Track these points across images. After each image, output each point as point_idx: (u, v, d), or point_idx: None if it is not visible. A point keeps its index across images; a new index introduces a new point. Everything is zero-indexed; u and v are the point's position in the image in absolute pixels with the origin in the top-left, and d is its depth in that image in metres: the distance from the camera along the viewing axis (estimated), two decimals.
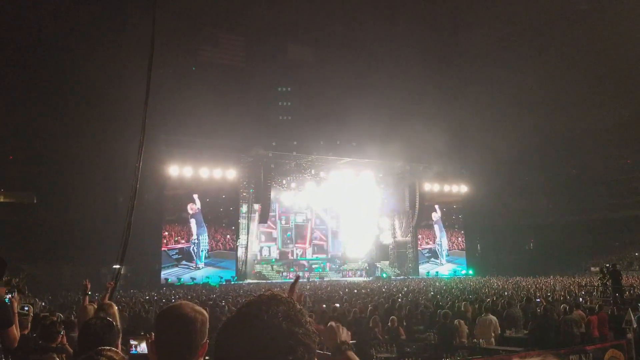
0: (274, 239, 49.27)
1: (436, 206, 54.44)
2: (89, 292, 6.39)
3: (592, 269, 41.82)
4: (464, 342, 11.29)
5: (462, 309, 13.85)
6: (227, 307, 15.16)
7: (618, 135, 55.18)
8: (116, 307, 4.37)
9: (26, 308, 7.72)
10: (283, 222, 50.11)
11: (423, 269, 51.57)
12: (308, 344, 1.22)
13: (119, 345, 2.87)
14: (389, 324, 12.09)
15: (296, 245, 50.20)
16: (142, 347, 3.52)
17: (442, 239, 54.44)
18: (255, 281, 41.72)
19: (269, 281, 41.96)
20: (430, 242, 53.82)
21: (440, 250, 54.04)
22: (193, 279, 39.93)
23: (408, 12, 63.39)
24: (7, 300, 4.85)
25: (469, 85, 58.13)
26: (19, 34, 44.28)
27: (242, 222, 45.00)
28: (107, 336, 2.88)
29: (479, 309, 13.65)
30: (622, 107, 54.04)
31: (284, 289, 2.19)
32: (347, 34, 62.22)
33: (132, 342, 3.63)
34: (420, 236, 52.86)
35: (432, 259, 53.22)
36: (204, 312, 2.12)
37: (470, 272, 51.47)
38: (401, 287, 27.78)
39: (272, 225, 48.83)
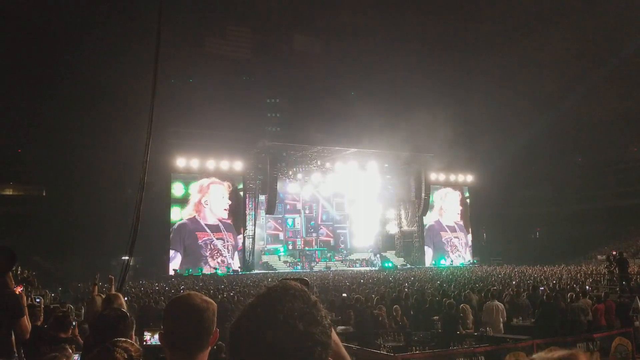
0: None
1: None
2: (99, 283, 6.48)
3: (599, 257, 41.71)
4: (469, 328, 11.34)
5: (468, 297, 13.90)
6: (235, 298, 15.30)
7: (625, 123, 54.80)
8: (123, 298, 4.42)
9: (38, 300, 7.84)
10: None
11: (430, 258, 51.44)
12: (325, 342, 1.19)
13: (133, 336, 2.92)
14: (394, 313, 12.18)
15: (304, 229, 50.87)
16: (156, 339, 3.57)
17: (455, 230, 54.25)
18: (263, 271, 41.89)
19: (276, 271, 42.13)
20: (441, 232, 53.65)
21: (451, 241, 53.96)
22: (200, 269, 40.12)
23: (415, 1, 62.92)
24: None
25: (476, 75, 57.78)
26: (26, 28, 44.34)
27: (249, 213, 45.13)
28: (122, 327, 2.93)
29: (485, 297, 13.69)
30: (630, 95, 53.62)
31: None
32: (353, 23, 61.87)
33: (146, 333, 3.68)
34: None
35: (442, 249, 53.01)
36: (213, 301, 2.17)
37: (475, 261, 51.39)
38: (408, 277, 27.85)
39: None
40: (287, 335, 1.13)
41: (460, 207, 53.16)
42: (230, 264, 38.89)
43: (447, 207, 51.46)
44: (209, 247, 36.81)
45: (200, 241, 36.90)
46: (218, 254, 37.42)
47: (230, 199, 40.13)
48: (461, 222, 52.45)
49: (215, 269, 40.33)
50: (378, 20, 60.28)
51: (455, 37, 62.96)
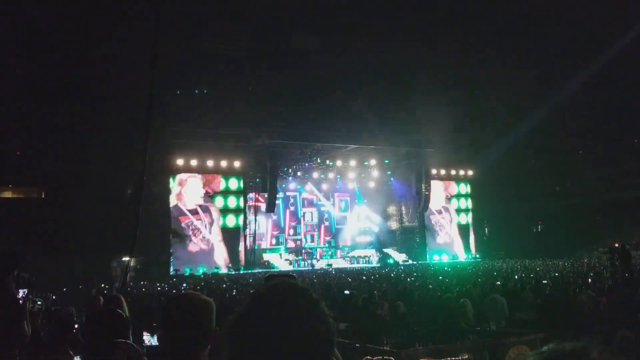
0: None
1: (448, 191, 54.88)
2: (102, 286, 6.45)
3: (601, 249, 41.72)
4: (471, 323, 11.33)
5: (470, 292, 13.90)
6: (237, 297, 15.29)
7: (625, 115, 54.70)
8: (124, 300, 4.39)
9: (39, 302, 7.82)
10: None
11: (433, 254, 51.62)
12: (330, 339, 1.17)
13: (130, 337, 2.89)
14: (396, 309, 12.17)
15: (304, 227, 51.88)
16: (155, 339, 3.53)
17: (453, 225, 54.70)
18: (264, 270, 42.02)
19: (278, 269, 42.23)
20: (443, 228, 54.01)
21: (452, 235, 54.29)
22: (201, 267, 40.41)
23: None
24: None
25: (476, 69, 57.54)
26: (22, 29, 44.21)
27: (249, 211, 45.38)
28: (117, 327, 2.90)
29: (486, 292, 13.70)
30: (630, 86, 53.42)
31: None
32: (351, 19, 61.54)
33: (145, 334, 3.64)
34: (433, 222, 53.05)
35: (444, 245, 53.24)
36: (211, 300, 2.15)
37: (477, 256, 51.52)
38: (410, 273, 27.87)
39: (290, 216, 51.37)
40: (292, 335, 1.11)
41: (445, 194, 55.52)
42: (208, 240, 43.26)
43: (434, 195, 53.39)
44: (191, 227, 42.78)
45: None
46: (198, 232, 42.98)
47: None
48: (447, 205, 55.39)
49: (217, 268, 40.65)
50: (376, 15, 59.97)
51: (454, 31, 62.62)
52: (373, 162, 48.01)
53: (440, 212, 54.51)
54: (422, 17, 59.63)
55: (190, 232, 42.60)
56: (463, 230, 55.15)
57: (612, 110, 54.96)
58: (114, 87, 43.31)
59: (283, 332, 1.12)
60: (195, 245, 42.77)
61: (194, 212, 43.29)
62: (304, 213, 51.74)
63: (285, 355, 1.10)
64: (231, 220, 44.36)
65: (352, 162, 47.32)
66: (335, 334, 1.21)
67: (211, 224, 43.69)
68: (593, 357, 1.16)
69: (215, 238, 43.56)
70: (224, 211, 44.53)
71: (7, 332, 4.57)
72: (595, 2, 52.08)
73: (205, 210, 43.79)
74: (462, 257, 52.03)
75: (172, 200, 42.92)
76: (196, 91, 49.17)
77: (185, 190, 43.50)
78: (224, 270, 40.63)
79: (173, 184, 43.24)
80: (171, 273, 38.90)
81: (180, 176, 43.41)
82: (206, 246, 42.95)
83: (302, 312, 1.16)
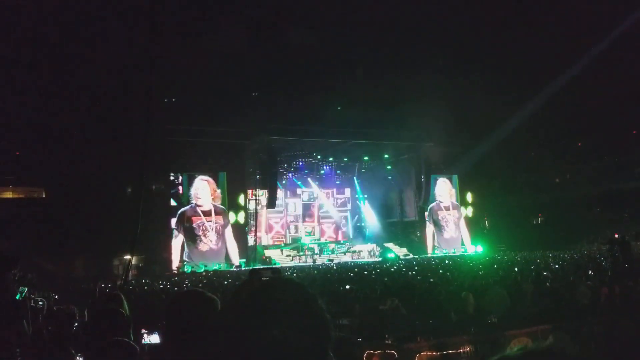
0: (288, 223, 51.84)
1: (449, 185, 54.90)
2: (103, 285, 6.47)
3: (601, 240, 41.75)
4: (473, 316, 11.35)
5: (471, 285, 13.92)
6: None
7: (624, 106, 54.55)
8: (124, 298, 4.40)
9: (41, 302, 7.83)
10: (291, 205, 51.56)
11: (433, 247, 51.65)
12: (327, 335, 1.19)
13: (130, 335, 2.90)
14: (398, 303, 12.16)
15: (305, 223, 51.99)
16: (153, 337, 3.54)
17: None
18: (266, 267, 42.04)
19: (279, 266, 42.31)
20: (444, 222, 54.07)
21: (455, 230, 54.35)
22: (205, 265, 40.46)
23: None
24: (18, 296, 4.91)
25: (474, 61, 57.41)
26: (22, 28, 44.08)
27: (250, 208, 45.46)
28: (117, 326, 2.91)
29: (487, 284, 13.71)
30: (628, 76, 53.23)
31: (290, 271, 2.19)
32: (349, 13, 61.25)
33: (144, 331, 3.66)
34: (439, 217, 53.12)
35: (448, 240, 53.30)
36: (215, 297, 2.16)
37: (480, 248, 51.55)
38: (411, 267, 27.91)
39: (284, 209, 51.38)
40: (290, 331, 1.12)
41: (453, 190, 55.34)
42: (215, 241, 43.73)
43: (442, 193, 54.09)
44: (201, 228, 43.62)
45: (194, 224, 43.44)
46: (207, 233, 43.60)
47: (218, 190, 45.50)
48: (456, 202, 55.19)
49: (219, 264, 40.74)
50: (374, 8, 59.66)
51: (453, 29, 62.36)
52: (373, 156, 47.98)
53: (448, 209, 54.37)
54: (421, 15, 59.29)
55: (200, 233, 43.40)
56: (464, 223, 55.10)
57: (612, 100, 54.78)
58: (114, 86, 43.25)
59: (281, 329, 1.11)
60: (204, 245, 43.39)
61: (207, 214, 44.09)
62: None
63: (283, 351, 1.10)
64: (232, 218, 44.36)
65: (352, 157, 47.27)
66: (333, 330, 1.21)
67: (223, 226, 44.25)
68: (570, 353, 1.16)
69: (223, 237, 43.95)
70: (224, 210, 44.41)
71: (7, 332, 4.59)
72: None
73: (220, 212, 44.57)
74: (463, 250, 52.02)
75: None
76: (194, 90, 49.02)
77: (199, 192, 44.29)
78: (224, 268, 40.70)
79: (176, 183, 43.64)
80: (173, 271, 38.97)
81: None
82: (215, 246, 43.44)
83: (299, 308, 1.16)
